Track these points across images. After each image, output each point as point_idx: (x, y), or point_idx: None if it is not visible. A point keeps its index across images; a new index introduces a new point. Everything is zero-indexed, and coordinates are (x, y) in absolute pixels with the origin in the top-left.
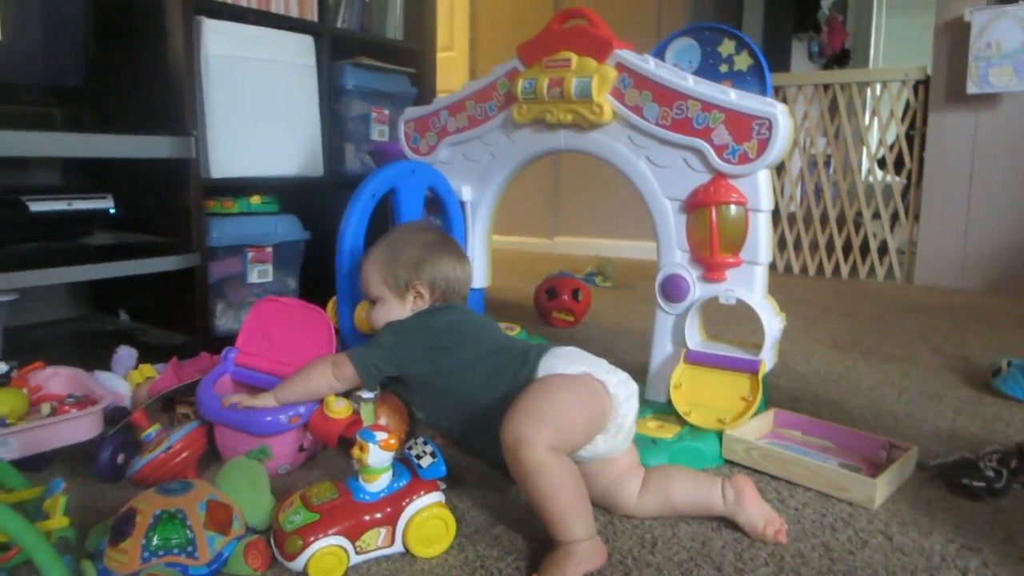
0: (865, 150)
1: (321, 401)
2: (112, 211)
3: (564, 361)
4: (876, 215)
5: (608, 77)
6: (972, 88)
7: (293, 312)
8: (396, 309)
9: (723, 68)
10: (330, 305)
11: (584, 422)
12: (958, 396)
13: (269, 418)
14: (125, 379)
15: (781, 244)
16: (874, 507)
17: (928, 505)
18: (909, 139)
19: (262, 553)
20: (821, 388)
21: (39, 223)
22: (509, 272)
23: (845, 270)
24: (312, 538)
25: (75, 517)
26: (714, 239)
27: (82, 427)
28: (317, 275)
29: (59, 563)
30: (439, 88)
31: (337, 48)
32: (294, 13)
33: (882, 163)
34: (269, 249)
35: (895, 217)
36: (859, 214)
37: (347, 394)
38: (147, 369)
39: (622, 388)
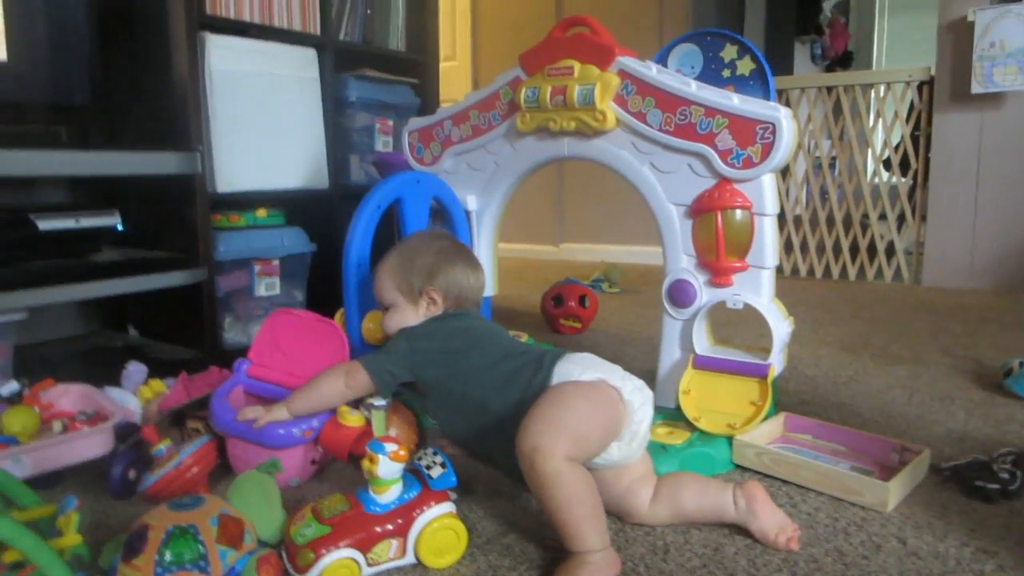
0: (870, 152)
1: (334, 411)
2: (119, 227)
3: (579, 367)
4: (882, 216)
5: (611, 84)
6: (977, 88)
7: (306, 324)
8: (409, 315)
9: (726, 73)
10: (337, 316)
11: (600, 430)
12: (969, 398)
13: (282, 431)
14: (135, 395)
15: (787, 247)
16: (887, 511)
17: (942, 508)
18: (914, 140)
19: (274, 567)
20: (831, 391)
21: (48, 241)
22: (515, 280)
23: (852, 272)
24: (324, 551)
25: (88, 534)
26: (720, 244)
27: (93, 444)
28: (324, 287)
29: None
30: (442, 98)
31: (340, 60)
32: (297, 27)
33: (887, 164)
34: (276, 262)
35: (902, 218)
36: (865, 216)
37: (358, 402)
38: (157, 384)
39: (637, 395)
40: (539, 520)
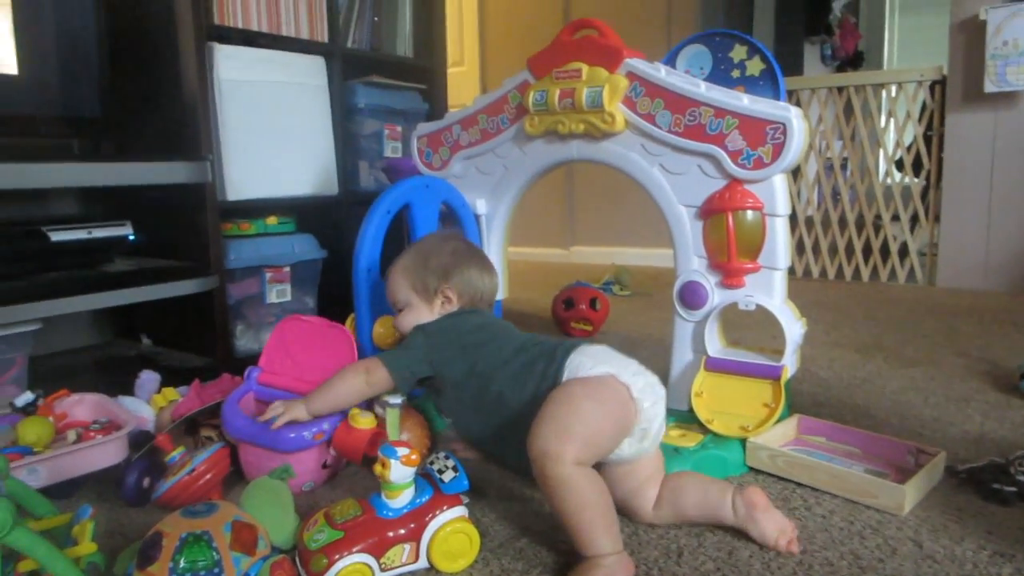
0: (882, 152)
1: (345, 414)
2: (131, 237)
3: (591, 360)
4: (895, 217)
5: (619, 86)
6: (990, 87)
7: (316, 330)
8: (424, 315)
9: (735, 74)
10: (348, 321)
11: (610, 430)
12: (985, 399)
13: (293, 435)
14: (148, 403)
15: (799, 248)
16: (903, 514)
17: (958, 511)
18: (927, 140)
19: (288, 573)
20: (844, 393)
21: (60, 252)
22: (526, 283)
23: (865, 273)
24: (337, 556)
25: (103, 542)
26: (731, 245)
27: (108, 452)
28: (335, 292)
29: None
30: (451, 103)
31: (348, 67)
32: (304, 35)
33: (900, 165)
34: (287, 269)
35: (915, 219)
36: (878, 217)
37: (370, 404)
38: (170, 392)
39: (647, 393)
40: (552, 524)
